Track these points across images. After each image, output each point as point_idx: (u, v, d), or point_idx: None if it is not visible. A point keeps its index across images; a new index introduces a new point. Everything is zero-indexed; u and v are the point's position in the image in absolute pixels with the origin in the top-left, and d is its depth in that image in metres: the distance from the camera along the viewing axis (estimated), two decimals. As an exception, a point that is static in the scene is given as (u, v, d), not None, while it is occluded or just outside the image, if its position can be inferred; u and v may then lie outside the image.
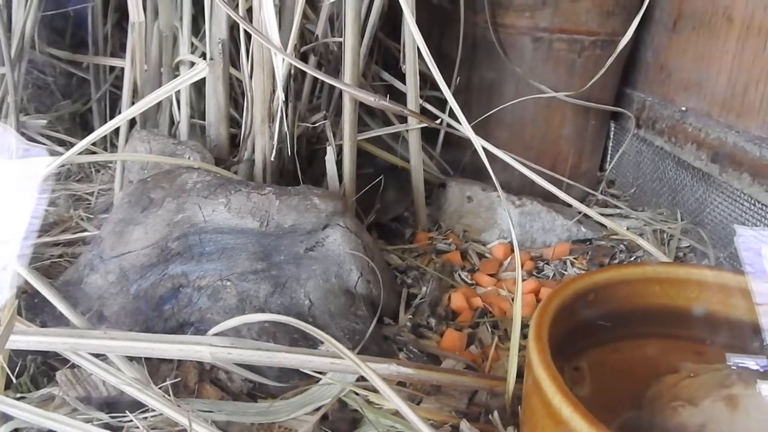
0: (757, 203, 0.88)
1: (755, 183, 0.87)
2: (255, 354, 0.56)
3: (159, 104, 0.96)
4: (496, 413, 0.60)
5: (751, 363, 0.55)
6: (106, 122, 1.15)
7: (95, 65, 1.17)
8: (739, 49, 0.97)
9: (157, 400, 0.54)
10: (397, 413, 0.62)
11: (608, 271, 0.65)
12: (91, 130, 1.17)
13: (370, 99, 0.73)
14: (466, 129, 0.76)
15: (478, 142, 0.73)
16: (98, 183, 1.03)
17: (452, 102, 0.75)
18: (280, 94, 0.72)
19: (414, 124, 0.91)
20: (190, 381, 0.71)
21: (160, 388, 0.59)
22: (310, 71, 0.73)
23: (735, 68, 0.98)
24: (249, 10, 0.81)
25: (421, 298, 0.86)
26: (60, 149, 1.08)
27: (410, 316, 0.83)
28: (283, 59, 0.69)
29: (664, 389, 0.51)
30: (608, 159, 1.38)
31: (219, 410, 0.61)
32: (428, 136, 1.25)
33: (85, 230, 0.95)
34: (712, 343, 0.62)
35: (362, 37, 0.92)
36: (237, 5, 0.77)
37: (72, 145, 1.09)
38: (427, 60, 0.76)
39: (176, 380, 0.63)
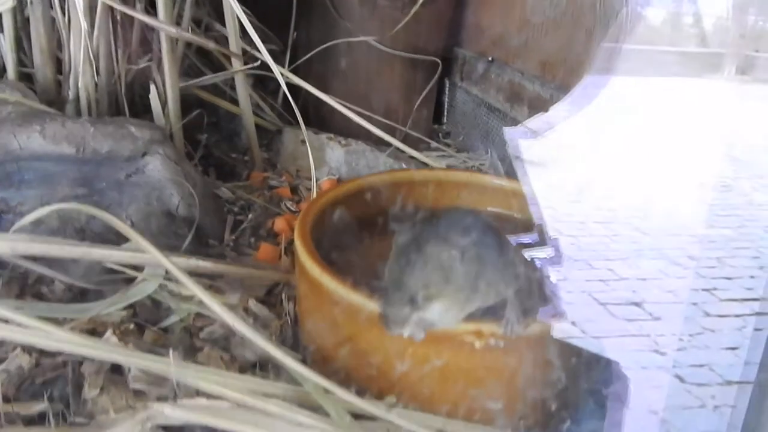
0: (532, 132, 1.04)
1: (530, 114, 1.03)
2: (56, 248, 0.63)
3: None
4: (284, 294, 0.70)
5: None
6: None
7: None
8: (523, 1, 1.13)
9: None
10: (193, 299, 0.70)
11: (382, 174, 0.77)
12: None
13: (172, 31, 0.80)
14: (276, 71, 0.85)
15: (281, 76, 0.82)
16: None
17: (257, 40, 0.84)
18: (83, 25, 0.78)
19: (237, 67, 0.99)
20: (11, 294, 0.76)
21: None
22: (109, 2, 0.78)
23: (522, 20, 1.14)
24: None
25: (246, 224, 0.95)
26: None
27: (233, 238, 0.91)
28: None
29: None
30: (444, 112, 1.53)
31: (31, 309, 0.67)
32: (274, 89, 1.33)
33: None
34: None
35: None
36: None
37: None
38: (237, 11, 0.83)
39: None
